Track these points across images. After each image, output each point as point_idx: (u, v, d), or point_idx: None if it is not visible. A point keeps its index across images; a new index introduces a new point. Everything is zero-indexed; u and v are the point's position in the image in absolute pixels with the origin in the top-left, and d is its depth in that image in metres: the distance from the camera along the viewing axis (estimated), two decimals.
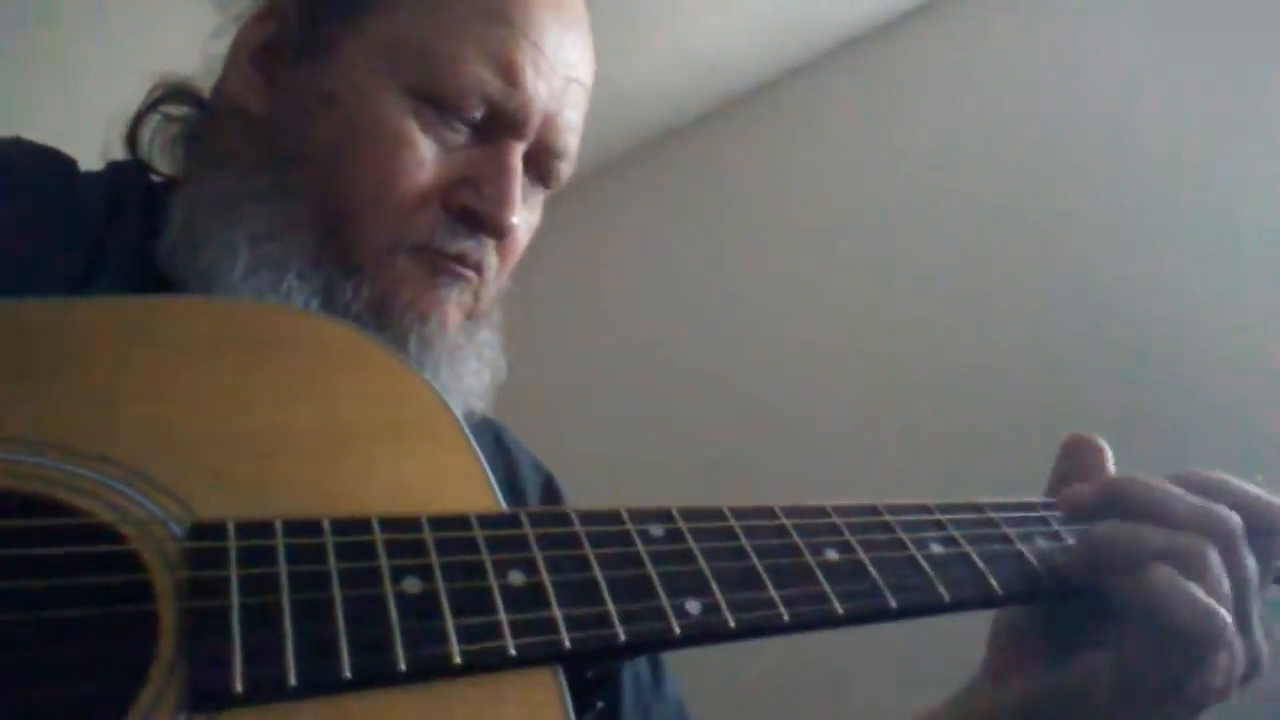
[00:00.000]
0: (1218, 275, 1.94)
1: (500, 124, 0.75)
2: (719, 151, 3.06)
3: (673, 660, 0.87)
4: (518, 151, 0.76)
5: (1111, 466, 0.68)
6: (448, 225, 0.75)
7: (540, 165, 0.81)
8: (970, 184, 2.40)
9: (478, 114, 0.74)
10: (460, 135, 0.75)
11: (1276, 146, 1.96)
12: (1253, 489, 0.65)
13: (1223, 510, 0.61)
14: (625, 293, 3.11)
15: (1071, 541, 0.61)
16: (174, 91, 0.82)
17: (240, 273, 0.70)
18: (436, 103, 0.73)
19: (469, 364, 0.79)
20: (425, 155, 0.73)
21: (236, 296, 0.69)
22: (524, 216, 0.79)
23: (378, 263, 0.73)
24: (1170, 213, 2.05)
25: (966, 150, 2.45)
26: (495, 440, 0.92)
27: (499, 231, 0.76)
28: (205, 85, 0.83)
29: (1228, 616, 0.56)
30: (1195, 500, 0.61)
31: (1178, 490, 0.62)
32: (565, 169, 0.83)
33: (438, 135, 0.74)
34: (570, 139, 0.81)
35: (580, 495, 0.95)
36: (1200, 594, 0.56)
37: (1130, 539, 0.59)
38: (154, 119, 0.82)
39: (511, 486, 0.89)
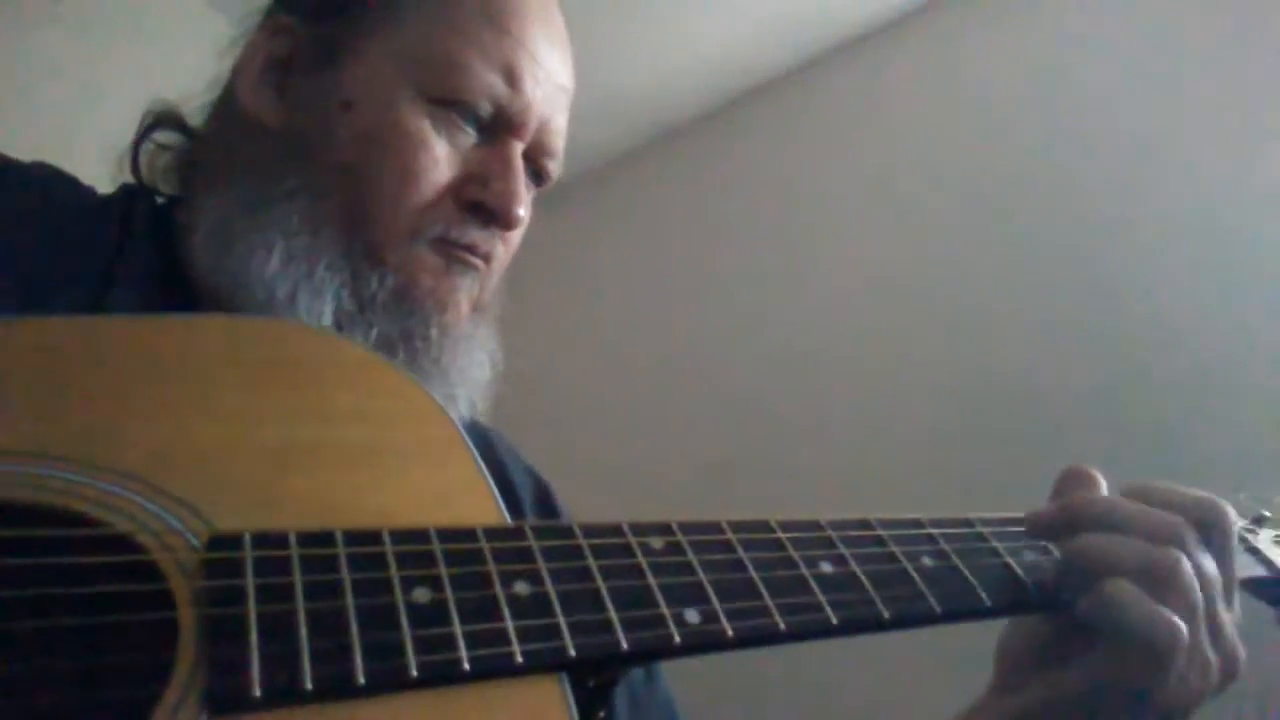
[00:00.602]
0: (1218, 277, 1.95)
1: (503, 125, 0.82)
2: (719, 151, 3.07)
3: (670, 664, 0.89)
4: (519, 150, 0.83)
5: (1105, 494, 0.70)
6: (461, 218, 0.81)
7: (535, 165, 0.88)
8: (970, 184, 2.41)
9: (485, 115, 0.81)
10: (468, 136, 0.81)
11: (1277, 145, 1.97)
12: (1196, 492, 0.67)
13: (1177, 518, 0.64)
14: (625, 292, 3.12)
15: (1059, 556, 0.63)
16: (163, 118, 0.87)
17: (275, 265, 0.75)
18: (448, 105, 0.79)
19: (475, 354, 0.85)
20: (439, 155, 0.79)
21: (269, 291, 0.74)
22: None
23: (400, 254, 0.79)
24: (1170, 213, 2.05)
25: (966, 150, 2.45)
26: (486, 447, 0.94)
27: (509, 223, 0.82)
28: (203, 105, 0.87)
29: (1185, 628, 0.58)
30: (1155, 513, 0.64)
31: (1136, 505, 0.65)
32: (555, 168, 0.90)
33: (449, 136, 0.80)
34: (559, 141, 0.89)
35: (577, 499, 0.97)
36: (1157, 607, 0.59)
37: (1101, 552, 0.62)
38: (146, 148, 0.87)
39: (504, 494, 0.90)
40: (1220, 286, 1.94)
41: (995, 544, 0.61)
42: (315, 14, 0.84)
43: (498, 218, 0.82)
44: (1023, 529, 0.64)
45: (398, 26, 0.81)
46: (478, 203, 0.81)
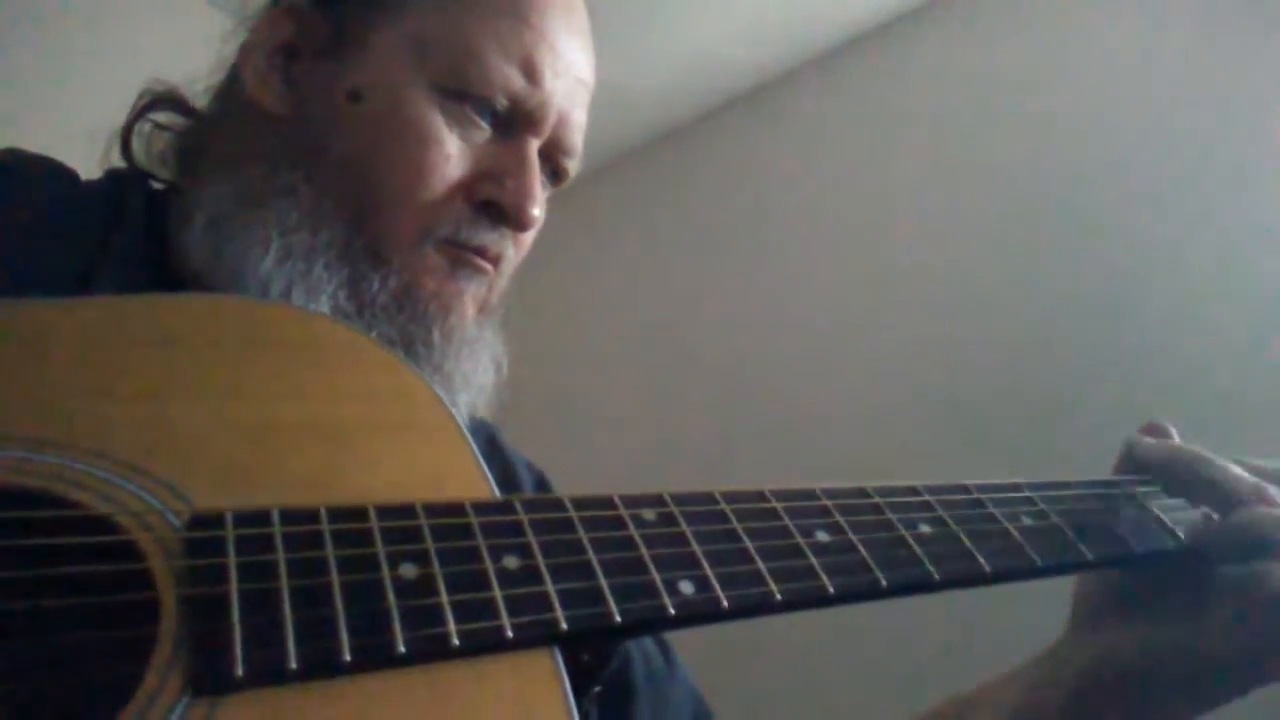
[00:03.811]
0: (1217, 271, 1.94)
1: (520, 120, 0.78)
2: (719, 151, 3.07)
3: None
4: (535, 147, 0.80)
5: None
6: (471, 218, 0.77)
7: (552, 162, 0.84)
8: (969, 183, 2.41)
9: (500, 110, 0.77)
10: (482, 131, 0.77)
11: (1277, 144, 1.96)
12: None
13: None
14: (624, 292, 3.12)
15: (1057, 520, 0.62)
16: (162, 99, 0.84)
17: (271, 263, 0.72)
18: (462, 98, 0.76)
19: (480, 359, 0.81)
20: (451, 150, 0.76)
21: (264, 288, 0.71)
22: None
23: (405, 254, 0.75)
24: (1170, 211, 2.05)
25: (966, 149, 2.45)
26: (489, 442, 0.93)
27: (522, 223, 0.78)
28: (209, 88, 0.84)
29: None
30: None
31: None
32: (573, 167, 0.86)
33: (462, 131, 0.76)
34: (578, 137, 0.84)
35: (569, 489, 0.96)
36: None
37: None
38: (144, 128, 0.83)
39: (507, 487, 0.90)
40: (1220, 280, 1.94)
41: (993, 510, 0.60)
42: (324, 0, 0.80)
43: (510, 218, 0.78)
44: (1020, 494, 0.63)
45: (411, 14, 0.77)
46: (490, 201, 0.77)
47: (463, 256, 0.78)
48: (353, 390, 0.56)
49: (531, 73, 0.77)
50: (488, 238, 0.78)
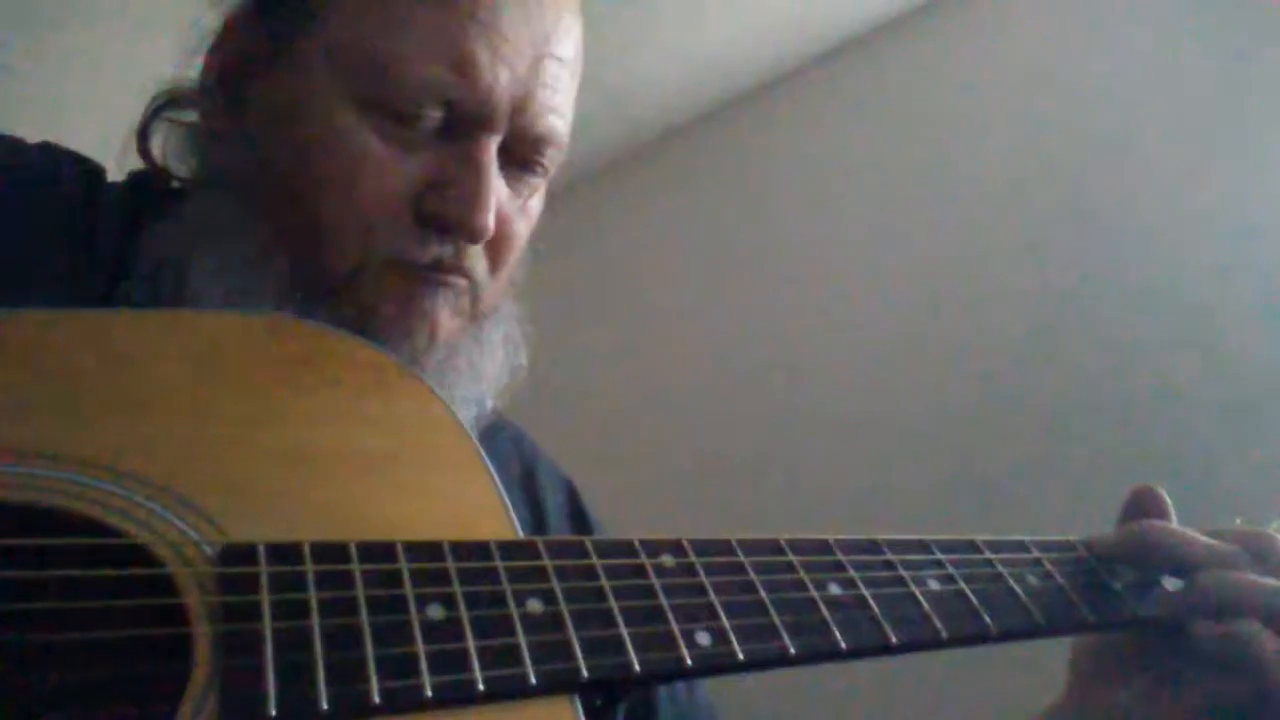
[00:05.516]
0: (1217, 280, 1.95)
1: (465, 120, 0.69)
2: (720, 151, 3.07)
3: None
4: (489, 146, 0.71)
5: (1174, 516, 0.72)
6: (417, 235, 0.70)
7: (523, 154, 0.74)
8: (971, 184, 2.42)
9: (436, 114, 0.69)
10: (423, 140, 0.69)
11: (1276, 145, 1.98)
12: None
13: None
14: (626, 293, 3.11)
15: (1062, 581, 0.64)
16: (177, 97, 0.79)
17: (218, 301, 0.67)
18: (387, 109, 0.68)
19: (468, 367, 0.76)
20: (385, 166, 0.68)
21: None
22: (517, 208, 0.75)
23: (350, 282, 0.70)
24: (1172, 213, 2.06)
25: (967, 150, 2.46)
26: (515, 446, 0.92)
27: (472, 235, 0.70)
28: None
29: None
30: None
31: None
32: (553, 153, 0.76)
33: (399, 140, 0.69)
34: (551, 121, 0.74)
35: (591, 498, 0.96)
36: None
37: (1235, 591, 0.63)
38: (162, 125, 0.79)
39: (530, 495, 0.89)
40: (1224, 283, 1.94)
41: (1000, 569, 0.62)
42: (257, 9, 0.74)
43: (458, 229, 0.69)
44: (1027, 554, 0.65)
45: (329, 22, 0.70)
46: (435, 214, 0.69)
47: (417, 275, 0.71)
48: (379, 418, 0.57)
49: (464, 66, 0.67)
50: (442, 251, 0.70)
